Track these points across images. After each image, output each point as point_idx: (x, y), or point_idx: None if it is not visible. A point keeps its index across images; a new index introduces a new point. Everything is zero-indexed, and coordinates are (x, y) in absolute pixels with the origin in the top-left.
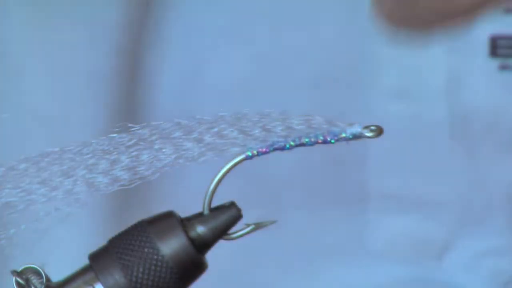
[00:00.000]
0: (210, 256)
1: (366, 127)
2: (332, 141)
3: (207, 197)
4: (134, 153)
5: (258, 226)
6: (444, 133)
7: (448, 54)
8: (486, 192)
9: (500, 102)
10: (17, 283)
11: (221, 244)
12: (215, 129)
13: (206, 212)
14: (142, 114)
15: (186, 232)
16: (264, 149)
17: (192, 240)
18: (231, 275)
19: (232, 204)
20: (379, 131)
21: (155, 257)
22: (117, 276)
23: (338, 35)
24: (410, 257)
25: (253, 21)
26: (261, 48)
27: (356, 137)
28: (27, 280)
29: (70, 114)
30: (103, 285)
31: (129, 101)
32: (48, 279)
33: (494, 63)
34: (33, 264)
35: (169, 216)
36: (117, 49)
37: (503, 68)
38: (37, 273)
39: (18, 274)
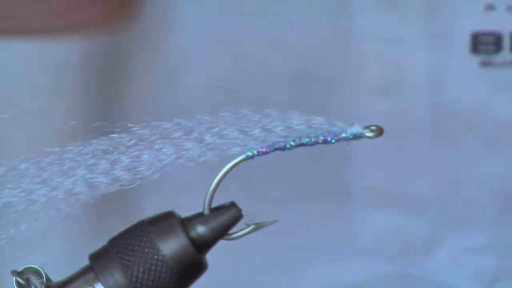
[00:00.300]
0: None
1: (367, 127)
2: (333, 141)
3: (208, 197)
4: (135, 153)
5: (258, 226)
6: (427, 130)
7: (430, 51)
8: (470, 188)
9: (482, 98)
10: (17, 283)
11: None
12: (216, 129)
13: (206, 212)
14: (119, 110)
15: (186, 232)
16: (264, 149)
17: (192, 240)
18: (218, 272)
19: (232, 204)
20: (379, 131)
21: (155, 257)
22: (117, 276)
23: (320, 32)
24: (395, 253)
25: (236, 19)
26: (243, 46)
27: (357, 137)
28: (27, 280)
29: (45, 108)
30: (103, 285)
31: (106, 97)
32: (48, 279)
33: (476, 59)
34: (33, 264)
35: (169, 216)
36: (95, 43)
37: (485, 64)
38: (37, 273)
39: (18, 274)
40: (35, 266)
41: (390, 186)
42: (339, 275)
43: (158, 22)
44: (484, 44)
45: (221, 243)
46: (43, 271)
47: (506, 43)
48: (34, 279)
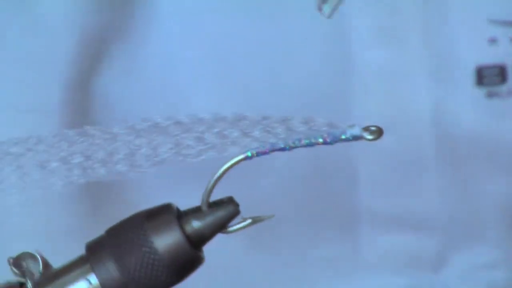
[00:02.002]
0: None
1: (366, 129)
2: (332, 142)
3: (206, 193)
4: (132, 147)
5: (255, 220)
6: (432, 160)
7: (434, 84)
8: (476, 207)
9: (488, 128)
10: (15, 266)
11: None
12: (216, 129)
13: (204, 208)
14: None
15: (182, 227)
16: (264, 150)
17: (188, 235)
18: None
19: (230, 199)
20: (379, 133)
21: (150, 251)
22: (111, 269)
23: (320, 70)
24: (404, 271)
25: (232, 53)
26: (240, 81)
27: (356, 138)
28: (24, 266)
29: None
30: (97, 277)
31: None
32: (46, 264)
33: (481, 91)
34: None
35: (166, 209)
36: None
37: (490, 96)
38: (33, 258)
39: (14, 260)
40: (31, 252)
41: (397, 208)
42: None
43: (155, 56)
44: (489, 76)
45: (225, 258)
46: (40, 256)
47: (510, 73)
48: (30, 264)
